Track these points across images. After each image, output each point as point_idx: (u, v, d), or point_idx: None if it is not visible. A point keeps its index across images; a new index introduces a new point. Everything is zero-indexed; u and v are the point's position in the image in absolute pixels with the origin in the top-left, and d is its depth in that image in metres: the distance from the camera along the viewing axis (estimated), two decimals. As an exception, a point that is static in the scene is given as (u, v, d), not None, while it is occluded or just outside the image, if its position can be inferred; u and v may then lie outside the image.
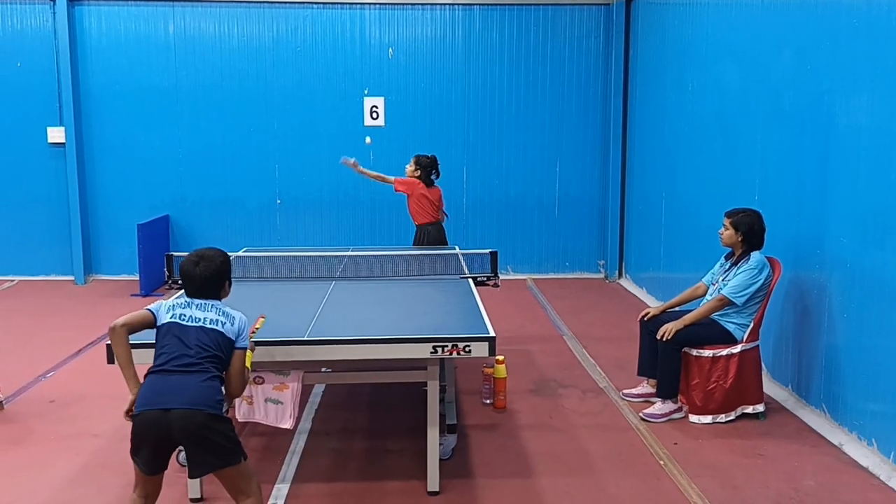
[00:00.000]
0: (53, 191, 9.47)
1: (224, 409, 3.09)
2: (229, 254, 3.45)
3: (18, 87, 9.32)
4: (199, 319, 3.12)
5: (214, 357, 3.08)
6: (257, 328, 3.48)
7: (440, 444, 3.97)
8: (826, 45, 4.82)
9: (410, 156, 9.67)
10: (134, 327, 3.12)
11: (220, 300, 3.27)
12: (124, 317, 3.11)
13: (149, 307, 3.19)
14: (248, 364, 3.23)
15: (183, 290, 3.30)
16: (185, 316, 3.14)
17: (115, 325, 3.05)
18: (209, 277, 3.21)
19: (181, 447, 3.09)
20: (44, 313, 7.88)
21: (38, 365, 6.03)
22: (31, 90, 9.32)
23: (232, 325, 3.16)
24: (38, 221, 9.53)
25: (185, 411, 2.89)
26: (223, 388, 3.11)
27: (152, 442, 2.95)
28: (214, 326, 3.12)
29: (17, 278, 9.49)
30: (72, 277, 9.49)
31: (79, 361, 6.22)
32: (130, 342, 3.10)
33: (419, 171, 6.95)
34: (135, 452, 3.00)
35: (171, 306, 3.19)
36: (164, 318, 3.14)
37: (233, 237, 9.33)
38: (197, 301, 3.20)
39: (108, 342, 3.49)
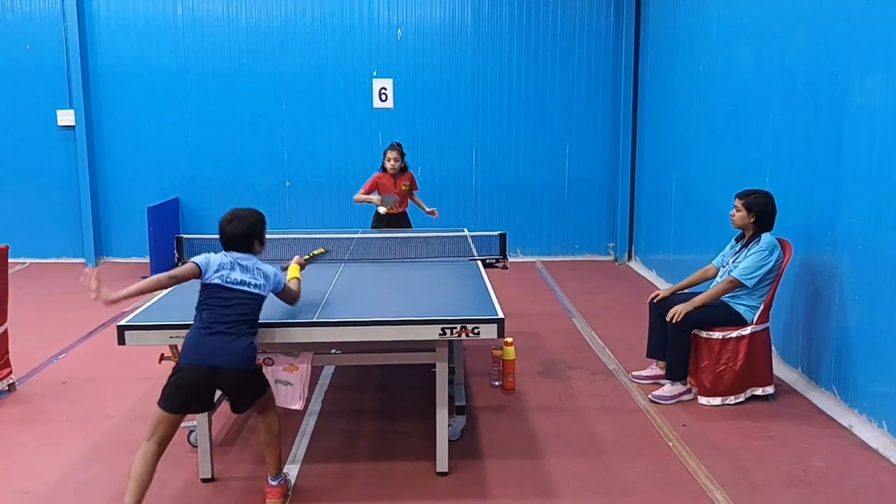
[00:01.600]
0: (64, 173, 9.51)
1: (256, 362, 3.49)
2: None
3: (28, 70, 9.34)
4: (243, 283, 3.39)
5: (251, 321, 3.42)
6: (316, 254, 4.19)
7: (449, 426, 3.98)
8: (840, 25, 4.76)
9: (420, 138, 9.72)
10: (179, 279, 3.44)
11: (255, 254, 3.53)
12: (172, 271, 3.46)
13: (196, 260, 3.41)
14: (296, 275, 3.88)
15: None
16: (229, 278, 3.39)
17: (162, 277, 3.42)
18: (237, 236, 3.47)
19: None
20: (55, 295, 7.93)
21: (50, 347, 6.08)
22: (41, 73, 9.33)
23: (268, 282, 3.49)
24: (48, 204, 9.58)
25: (232, 371, 3.30)
26: (254, 344, 3.43)
27: (196, 393, 3.33)
28: (256, 291, 3.42)
29: (29, 261, 9.55)
30: (83, 260, 9.55)
31: (90, 343, 6.27)
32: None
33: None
34: (170, 397, 3.32)
35: (219, 266, 3.41)
36: (212, 278, 3.38)
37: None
38: (240, 260, 3.45)
39: (119, 324, 3.53)
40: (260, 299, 3.46)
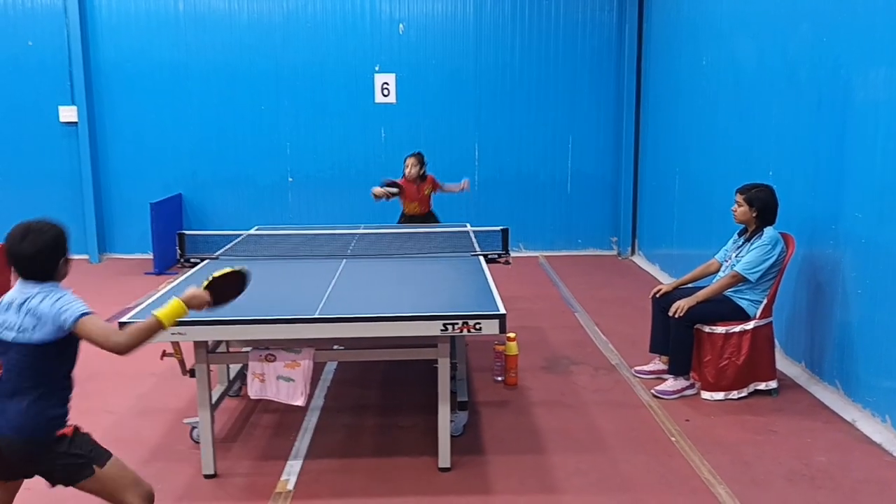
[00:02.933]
0: (66, 170, 9.51)
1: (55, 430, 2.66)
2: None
3: (30, 67, 9.33)
4: (13, 327, 2.60)
5: (32, 376, 2.61)
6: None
7: (451, 421, 3.98)
8: (843, 18, 4.73)
9: (422, 133, 9.70)
10: None
11: (56, 282, 2.72)
12: None
13: None
14: (162, 316, 2.72)
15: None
16: (5, 324, 2.62)
17: None
18: (33, 256, 2.66)
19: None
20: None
21: (53, 343, 6.08)
22: (43, 69, 9.33)
23: (43, 321, 2.58)
24: (51, 201, 9.56)
25: (9, 439, 2.58)
26: (49, 405, 2.65)
27: None
28: (23, 340, 2.59)
29: (33, 257, 9.56)
30: (86, 256, 9.55)
31: (94, 339, 6.27)
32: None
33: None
34: None
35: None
36: None
37: (244, 215, 9.34)
38: (24, 293, 2.64)
39: (121, 321, 3.53)
40: (35, 348, 2.58)
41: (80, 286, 8.35)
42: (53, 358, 2.64)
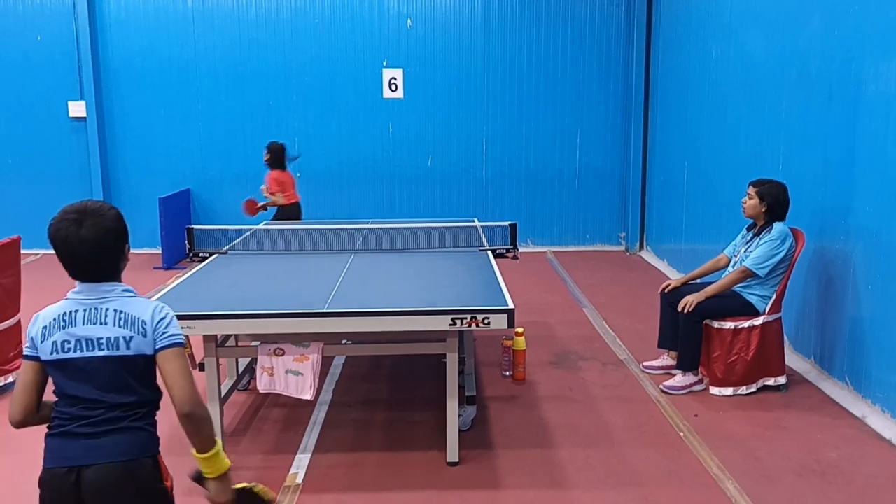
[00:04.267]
0: (75, 165, 9.56)
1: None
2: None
3: (39, 62, 9.38)
4: (91, 344, 2.15)
5: (136, 402, 2.20)
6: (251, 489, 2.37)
7: (460, 416, 3.98)
8: (854, 10, 4.70)
9: (429, 128, 9.71)
10: (32, 401, 2.22)
11: (119, 280, 2.25)
12: (14, 399, 2.23)
13: (25, 350, 2.22)
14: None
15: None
16: (69, 343, 2.15)
17: (16, 422, 2.25)
18: (98, 243, 2.16)
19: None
20: (68, 287, 7.93)
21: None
22: (52, 65, 9.37)
23: (142, 331, 2.17)
24: (60, 195, 9.49)
25: (103, 468, 2.13)
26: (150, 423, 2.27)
27: None
28: (113, 352, 2.15)
29: (42, 251, 9.60)
30: (95, 251, 9.58)
31: (103, 333, 6.29)
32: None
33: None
34: None
35: (47, 328, 2.18)
36: (45, 353, 2.17)
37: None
38: (85, 301, 2.19)
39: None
40: (132, 361, 2.17)
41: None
42: (146, 368, 2.22)
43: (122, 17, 9.36)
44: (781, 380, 4.85)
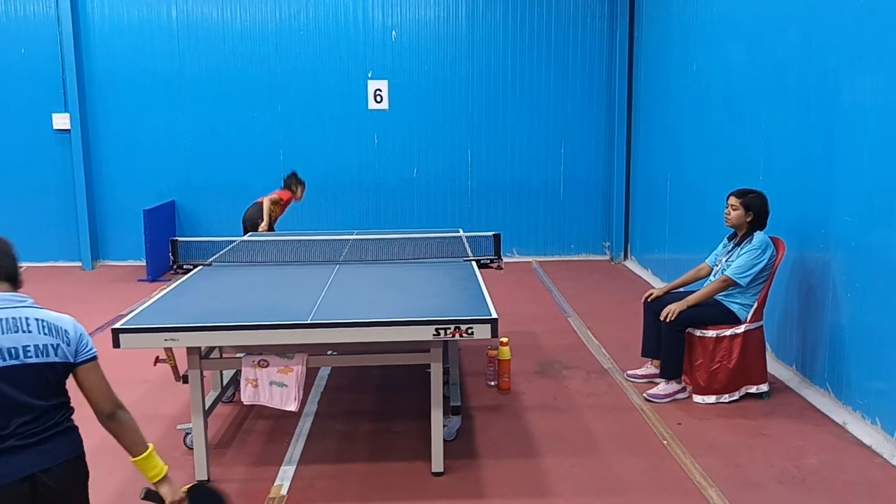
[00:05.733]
0: (59, 177, 9.52)
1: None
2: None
3: (23, 74, 9.34)
4: (16, 353, 2.21)
5: (60, 403, 2.34)
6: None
7: (444, 426, 4.00)
8: (831, 23, 4.78)
9: (415, 139, 9.76)
10: None
11: (18, 289, 2.39)
12: None
13: None
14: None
15: None
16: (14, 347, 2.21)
17: None
18: (5, 255, 2.36)
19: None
20: (52, 299, 7.85)
21: (46, 350, 6.08)
22: (36, 77, 9.34)
23: (67, 342, 2.31)
24: (44, 208, 9.59)
25: (60, 467, 2.29)
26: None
27: None
28: (43, 359, 2.24)
29: (26, 265, 9.47)
30: (79, 263, 9.55)
31: (87, 346, 6.26)
32: None
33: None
34: None
35: None
36: None
37: (238, 222, 9.31)
38: (2, 311, 2.24)
39: (114, 327, 3.54)
40: (57, 368, 2.29)
41: (73, 293, 8.34)
42: (63, 377, 2.36)
43: (107, 30, 9.35)
44: (764, 387, 4.90)
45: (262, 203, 7.73)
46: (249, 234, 7.24)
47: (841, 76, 4.66)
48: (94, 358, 2.38)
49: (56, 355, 2.27)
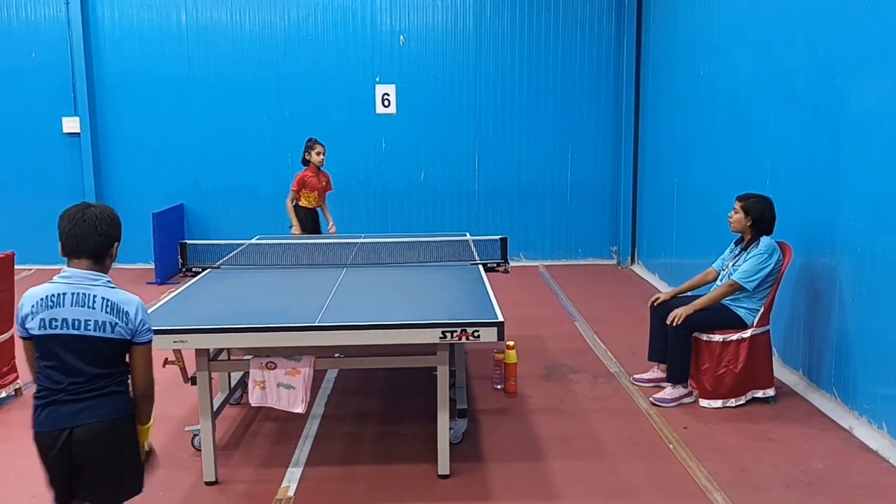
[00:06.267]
0: (69, 180, 9.59)
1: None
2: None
3: (33, 78, 9.42)
4: (78, 324, 2.51)
5: (116, 372, 2.62)
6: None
7: (451, 429, 4.01)
8: (837, 30, 4.79)
9: (422, 143, 9.78)
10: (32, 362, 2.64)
11: (104, 271, 2.62)
12: (30, 368, 2.69)
13: (18, 329, 2.61)
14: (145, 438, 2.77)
15: (65, 273, 2.58)
16: (56, 321, 2.50)
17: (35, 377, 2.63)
18: (93, 230, 2.56)
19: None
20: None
21: (56, 352, 6.12)
22: (46, 80, 9.42)
23: (125, 321, 2.56)
24: (54, 211, 9.41)
25: (92, 427, 2.53)
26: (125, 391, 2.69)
27: (55, 468, 2.61)
28: (100, 334, 2.53)
29: (35, 267, 9.61)
30: (88, 266, 9.60)
31: (96, 348, 6.30)
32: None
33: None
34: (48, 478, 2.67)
35: (36, 306, 2.52)
36: (32, 327, 2.53)
37: (246, 225, 9.41)
38: (74, 286, 2.53)
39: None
40: (113, 344, 2.57)
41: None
42: (121, 352, 2.64)
43: (117, 34, 9.43)
44: (770, 392, 4.90)
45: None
46: (298, 235, 7.13)
47: (847, 82, 4.67)
48: (148, 342, 2.65)
49: (113, 332, 2.54)
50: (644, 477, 3.96)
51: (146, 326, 2.62)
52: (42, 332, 2.51)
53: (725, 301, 4.89)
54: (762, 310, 4.83)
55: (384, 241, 6.06)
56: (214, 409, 3.99)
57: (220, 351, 4.40)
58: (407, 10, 9.49)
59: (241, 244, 5.83)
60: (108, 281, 2.60)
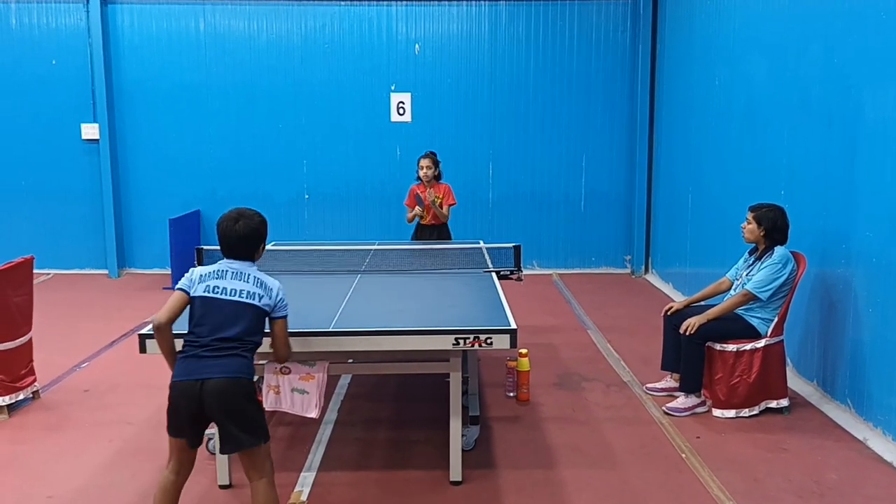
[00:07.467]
0: (87, 186, 9.70)
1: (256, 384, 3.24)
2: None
3: (53, 85, 9.54)
4: (235, 292, 3.17)
5: (249, 340, 3.17)
6: None
7: (463, 435, 4.02)
8: (854, 39, 4.79)
9: (437, 151, 9.71)
10: (175, 316, 3.16)
11: (254, 262, 3.32)
12: (163, 310, 3.14)
13: (180, 285, 3.21)
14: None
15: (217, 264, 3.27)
16: (218, 288, 3.18)
17: (160, 324, 3.12)
18: (245, 236, 3.26)
19: (211, 433, 3.13)
20: (79, 306, 8.07)
21: (73, 356, 6.20)
22: (66, 87, 9.54)
23: (269, 296, 3.22)
24: (72, 216, 9.77)
25: (220, 381, 3.03)
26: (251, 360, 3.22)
27: (185, 414, 3.08)
28: (251, 301, 3.17)
29: (53, 272, 9.72)
30: (105, 271, 9.70)
31: (113, 352, 6.38)
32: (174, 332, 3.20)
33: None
34: (169, 424, 3.16)
35: (204, 276, 3.21)
36: (197, 290, 3.18)
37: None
38: (233, 267, 3.23)
39: (141, 333, 3.60)
40: (258, 311, 3.20)
41: (99, 300, 8.41)
42: (261, 323, 3.23)
43: (136, 42, 9.54)
44: (784, 402, 4.88)
45: None
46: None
47: (863, 92, 4.66)
48: (284, 317, 3.31)
49: (259, 301, 3.19)
50: (656, 486, 3.95)
51: (284, 303, 3.27)
52: (206, 293, 3.15)
53: (739, 311, 4.88)
54: (776, 320, 4.82)
55: (398, 247, 6.09)
56: (229, 413, 4.01)
57: (234, 356, 4.43)
58: (422, 18, 9.55)
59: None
60: (259, 268, 3.30)
